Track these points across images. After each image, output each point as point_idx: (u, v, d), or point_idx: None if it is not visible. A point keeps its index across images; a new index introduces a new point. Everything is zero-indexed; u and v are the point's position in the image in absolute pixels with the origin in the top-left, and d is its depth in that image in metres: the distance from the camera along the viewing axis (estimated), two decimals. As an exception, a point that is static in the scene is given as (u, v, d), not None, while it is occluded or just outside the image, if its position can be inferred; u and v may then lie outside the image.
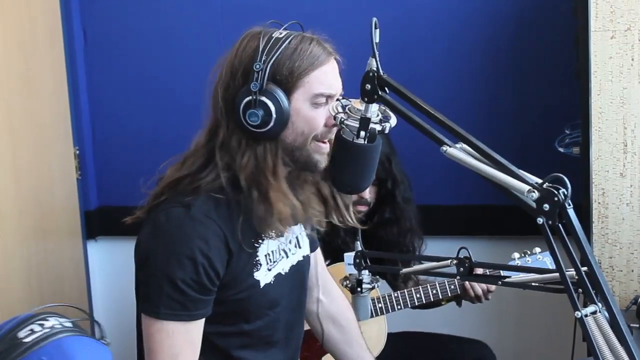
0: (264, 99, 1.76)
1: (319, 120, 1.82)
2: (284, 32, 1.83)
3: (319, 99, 1.82)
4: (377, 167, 2.77)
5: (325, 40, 1.86)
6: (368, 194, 2.81)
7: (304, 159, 1.86)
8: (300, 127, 1.82)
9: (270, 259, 1.96)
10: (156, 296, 1.81)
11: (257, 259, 1.92)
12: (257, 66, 1.77)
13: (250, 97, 1.77)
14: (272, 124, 1.77)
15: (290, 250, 2.04)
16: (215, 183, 1.84)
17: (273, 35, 1.81)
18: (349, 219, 2.01)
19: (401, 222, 2.88)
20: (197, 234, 1.80)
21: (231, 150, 1.83)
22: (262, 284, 1.94)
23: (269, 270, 1.96)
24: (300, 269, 2.10)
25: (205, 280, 1.82)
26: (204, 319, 1.87)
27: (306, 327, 2.33)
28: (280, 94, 1.78)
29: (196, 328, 1.87)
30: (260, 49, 1.78)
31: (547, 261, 2.63)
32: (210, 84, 1.88)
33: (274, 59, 1.77)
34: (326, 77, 1.83)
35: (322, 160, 1.84)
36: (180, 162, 1.91)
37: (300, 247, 2.09)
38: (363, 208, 2.83)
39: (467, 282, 2.73)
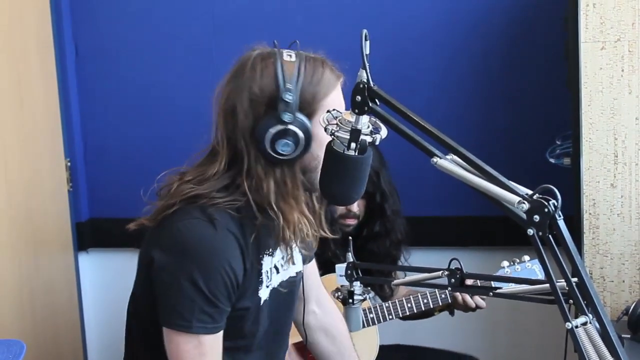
0: (293, 127, 1.79)
1: None
2: (293, 54, 1.85)
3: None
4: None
5: (329, 60, 1.89)
6: (356, 207, 2.82)
7: (314, 181, 1.86)
8: (315, 151, 1.83)
9: (268, 276, 1.97)
10: (188, 310, 1.80)
11: (261, 277, 1.94)
12: (289, 96, 1.78)
13: (280, 127, 1.78)
14: (299, 151, 1.80)
15: (282, 265, 2.04)
16: (234, 204, 1.85)
17: (285, 58, 1.83)
18: (325, 230, 2.02)
19: (392, 234, 2.89)
20: (224, 248, 1.81)
21: (258, 177, 1.84)
22: (262, 301, 1.95)
23: (267, 287, 1.97)
24: (292, 285, 2.10)
25: (232, 292, 1.83)
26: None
27: (299, 338, 2.33)
28: (307, 122, 1.80)
29: (221, 338, 1.88)
30: (281, 77, 1.80)
31: (536, 269, 2.64)
32: (216, 110, 1.88)
33: (299, 87, 1.80)
34: (339, 99, 1.87)
35: None
36: (194, 179, 1.88)
37: (294, 264, 2.09)
38: (352, 221, 2.84)
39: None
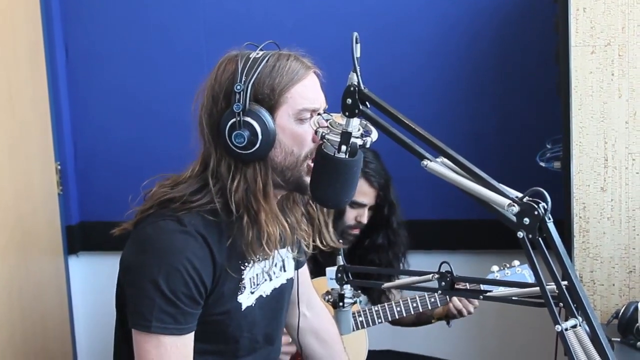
0: (248, 119, 1.76)
1: (305, 136, 1.82)
2: (261, 52, 1.83)
3: (304, 114, 1.82)
4: (379, 193, 2.78)
5: (302, 55, 1.87)
6: (366, 218, 2.80)
7: (295, 181, 1.85)
8: (289, 146, 1.81)
9: (254, 282, 1.95)
10: (148, 310, 1.78)
11: (242, 282, 1.92)
12: (238, 87, 1.77)
13: (234, 119, 1.76)
14: (258, 143, 1.77)
15: (274, 273, 2.03)
16: (208, 206, 1.83)
17: (250, 56, 1.82)
18: (330, 239, 2.01)
19: (395, 247, 2.89)
20: (188, 247, 1.79)
21: (222, 176, 1.82)
22: (243, 307, 1.93)
23: (252, 293, 1.95)
24: (283, 292, 2.09)
25: (195, 293, 1.80)
26: (193, 334, 1.85)
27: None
28: (264, 113, 1.77)
29: (189, 342, 1.84)
30: (239, 71, 1.78)
31: (525, 274, 2.63)
32: (194, 113, 1.88)
33: (253, 78, 1.78)
34: (307, 91, 1.83)
35: None
36: (171, 183, 1.89)
37: (285, 271, 2.08)
38: (357, 231, 2.83)
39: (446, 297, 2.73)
